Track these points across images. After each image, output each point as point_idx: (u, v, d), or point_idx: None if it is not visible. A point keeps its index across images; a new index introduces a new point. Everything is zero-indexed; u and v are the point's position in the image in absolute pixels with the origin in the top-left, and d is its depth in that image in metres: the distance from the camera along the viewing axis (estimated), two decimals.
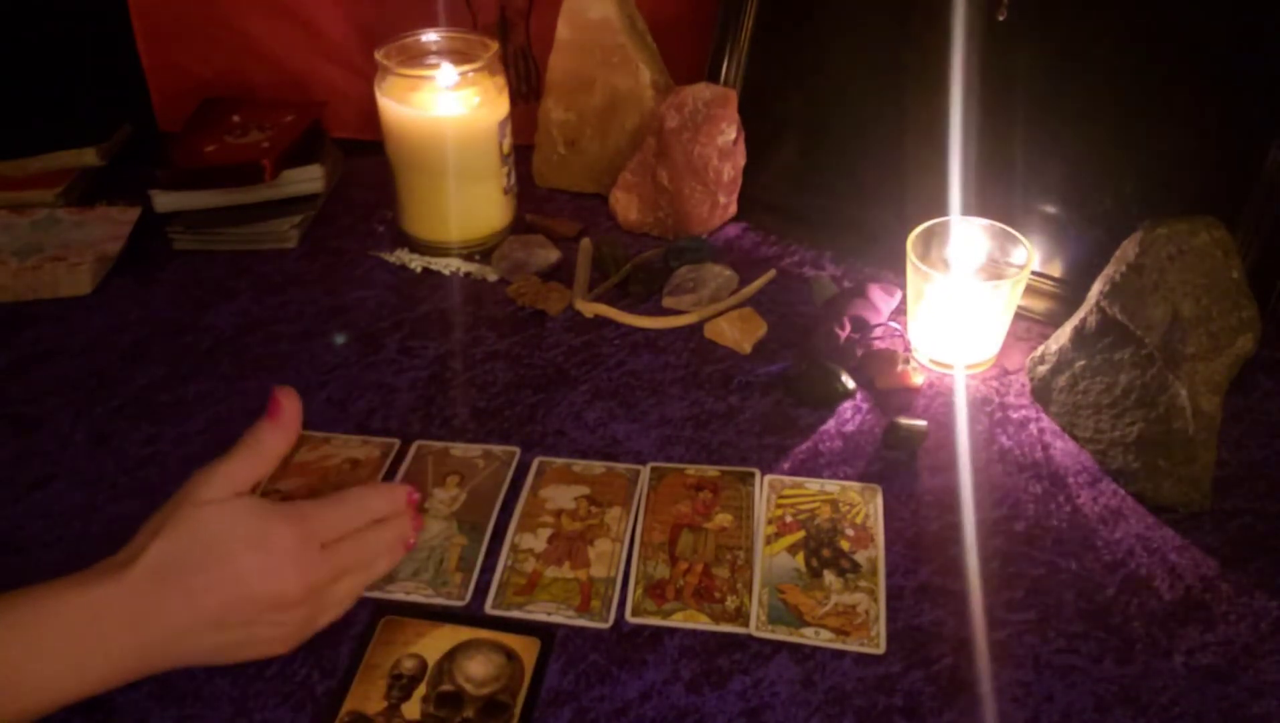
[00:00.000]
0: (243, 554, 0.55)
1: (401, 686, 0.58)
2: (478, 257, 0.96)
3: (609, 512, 0.69)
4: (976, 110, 0.87)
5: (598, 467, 0.73)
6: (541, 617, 0.62)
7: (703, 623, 0.62)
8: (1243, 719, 0.57)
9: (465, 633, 0.61)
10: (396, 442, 0.75)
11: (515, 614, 0.63)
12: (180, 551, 0.55)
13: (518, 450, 0.74)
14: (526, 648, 0.60)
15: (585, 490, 0.71)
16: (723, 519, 0.69)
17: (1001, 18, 0.85)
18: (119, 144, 1.10)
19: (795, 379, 0.80)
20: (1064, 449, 0.75)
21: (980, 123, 0.87)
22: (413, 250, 0.96)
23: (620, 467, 0.73)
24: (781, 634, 0.61)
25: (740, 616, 0.63)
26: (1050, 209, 0.87)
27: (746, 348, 0.84)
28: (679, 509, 0.70)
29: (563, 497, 0.70)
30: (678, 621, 0.62)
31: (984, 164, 0.87)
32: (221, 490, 0.57)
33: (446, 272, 0.94)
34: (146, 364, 0.83)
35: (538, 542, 0.67)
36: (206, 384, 0.81)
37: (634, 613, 0.63)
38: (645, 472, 0.72)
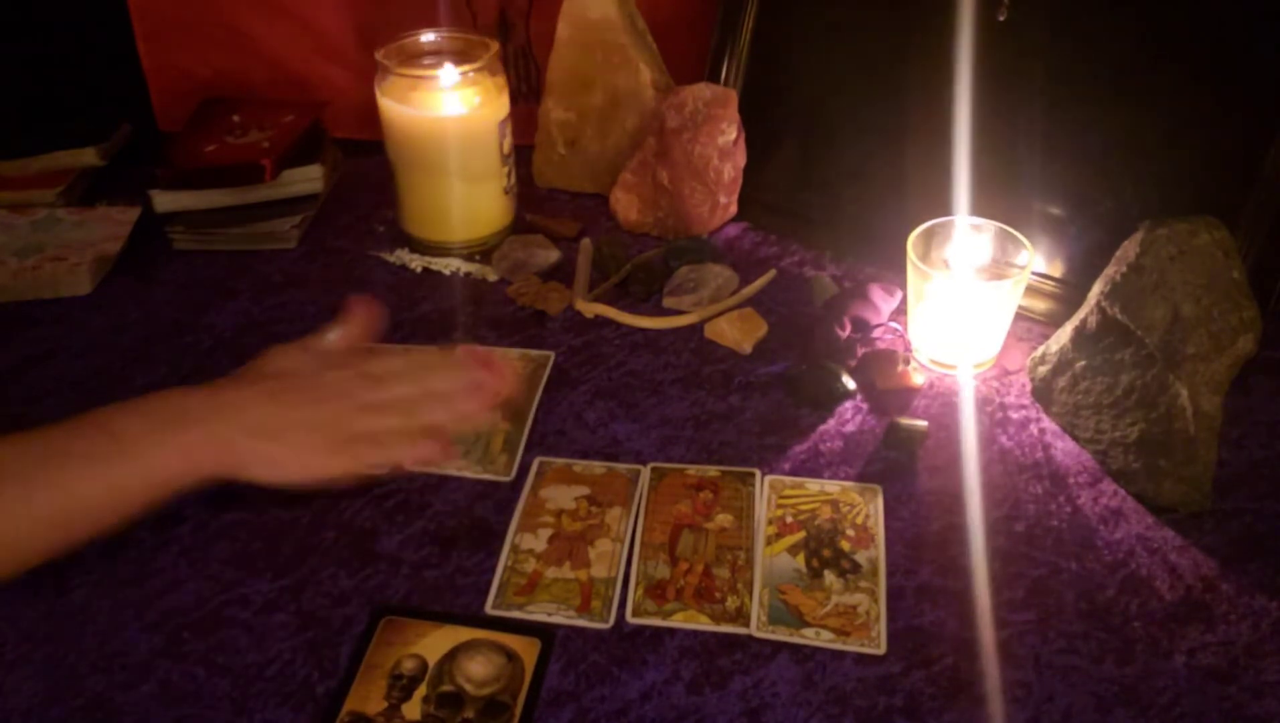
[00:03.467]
0: (291, 367, 0.66)
1: (402, 686, 0.58)
2: (478, 257, 0.96)
3: (609, 512, 0.69)
4: (977, 110, 0.87)
5: (598, 467, 0.73)
6: (542, 617, 0.63)
7: (703, 624, 0.62)
8: (1243, 719, 0.57)
9: (466, 634, 0.61)
10: (435, 350, 0.81)
11: (516, 615, 0.63)
12: (250, 366, 0.67)
13: (552, 354, 0.83)
14: (527, 649, 0.60)
15: (585, 491, 0.71)
16: (723, 520, 0.69)
17: (1002, 18, 0.85)
18: (119, 144, 1.10)
19: (795, 379, 0.80)
20: (1064, 449, 0.75)
21: (981, 123, 0.87)
22: (413, 250, 0.96)
23: (620, 467, 0.73)
24: (782, 635, 0.61)
25: (741, 616, 0.63)
26: (1051, 209, 0.87)
27: (747, 348, 0.84)
28: (679, 509, 0.70)
29: (563, 497, 0.71)
30: (678, 621, 0.62)
31: (984, 164, 0.87)
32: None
33: (446, 272, 0.94)
34: (146, 364, 0.83)
35: (538, 542, 0.67)
36: None
37: (634, 613, 0.63)
38: (645, 472, 0.72)
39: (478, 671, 0.59)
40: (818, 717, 0.57)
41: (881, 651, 0.61)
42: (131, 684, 0.59)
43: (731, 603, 0.63)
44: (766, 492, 0.71)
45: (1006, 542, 0.68)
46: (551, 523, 0.69)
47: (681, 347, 0.85)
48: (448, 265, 0.94)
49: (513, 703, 0.57)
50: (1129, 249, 0.70)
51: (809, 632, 0.62)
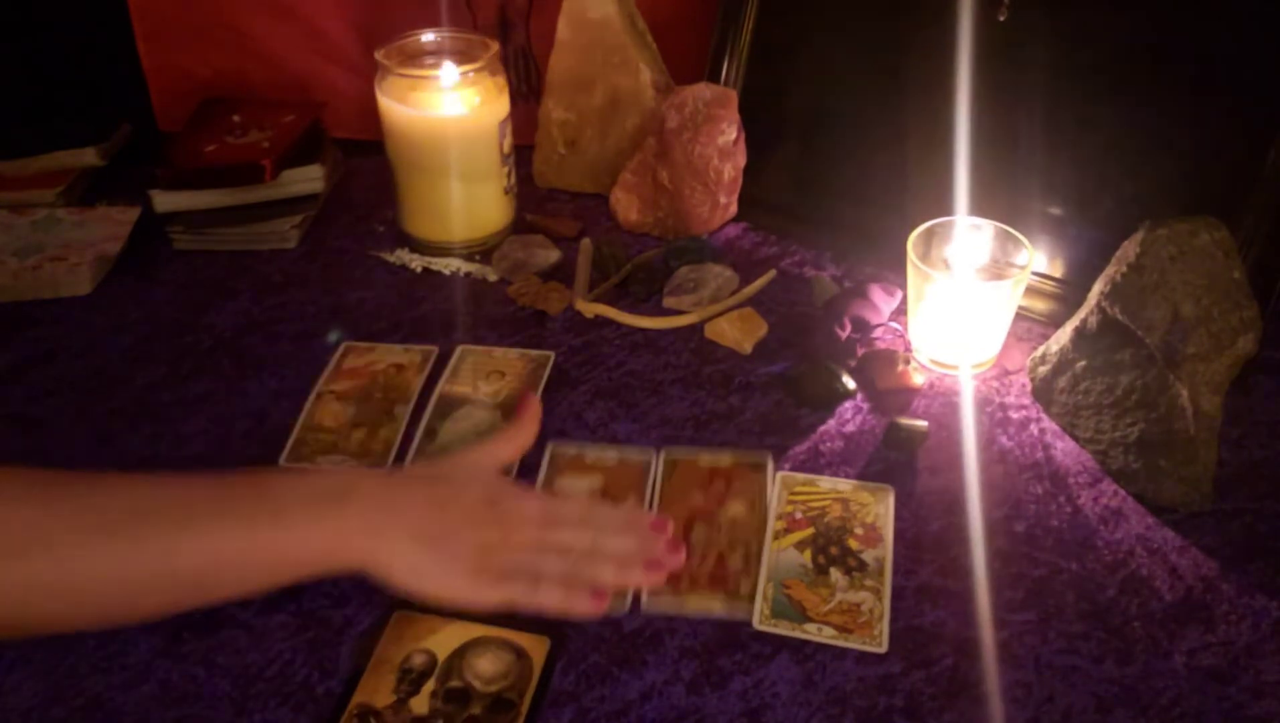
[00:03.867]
0: (474, 480, 0.65)
1: (411, 680, 0.58)
2: (478, 256, 0.96)
3: (623, 504, 0.70)
4: (977, 110, 0.87)
5: (610, 455, 0.74)
6: (540, 612, 0.62)
7: (718, 608, 0.63)
8: (1243, 720, 0.57)
9: (476, 630, 0.61)
10: (435, 349, 0.83)
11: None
12: (432, 467, 0.69)
13: (552, 354, 0.82)
14: (536, 647, 0.60)
15: (599, 482, 0.72)
16: (735, 510, 0.70)
17: (1002, 18, 0.85)
18: (119, 144, 1.10)
19: (795, 379, 0.80)
20: (1065, 450, 0.75)
21: (981, 123, 0.87)
22: (413, 250, 0.96)
23: (633, 455, 0.74)
24: (784, 629, 0.62)
25: (753, 601, 0.64)
26: (1051, 209, 0.87)
27: (747, 348, 0.84)
28: (692, 501, 0.70)
29: (577, 489, 0.72)
30: (693, 607, 0.63)
31: (985, 164, 0.87)
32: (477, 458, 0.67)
33: (447, 272, 0.94)
34: (147, 364, 0.83)
35: None
36: (206, 384, 0.81)
37: (649, 602, 0.64)
38: (658, 460, 0.73)
39: (486, 667, 0.59)
40: (818, 717, 0.57)
41: (883, 649, 0.61)
42: (131, 685, 0.59)
43: (745, 590, 0.64)
44: (778, 488, 0.71)
45: (1006, 542, 0.68)
46: None
47: (681, 347, 0.85)
48: (448, 265, 0.94)
49: (519, 701, 0.57)
50: (1129, 249, 0.70)
51: (811, 627, 0.62)
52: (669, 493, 0.71)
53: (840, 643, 0.61)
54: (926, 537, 0.68)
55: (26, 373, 0.82)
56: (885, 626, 0.62)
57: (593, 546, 0.63)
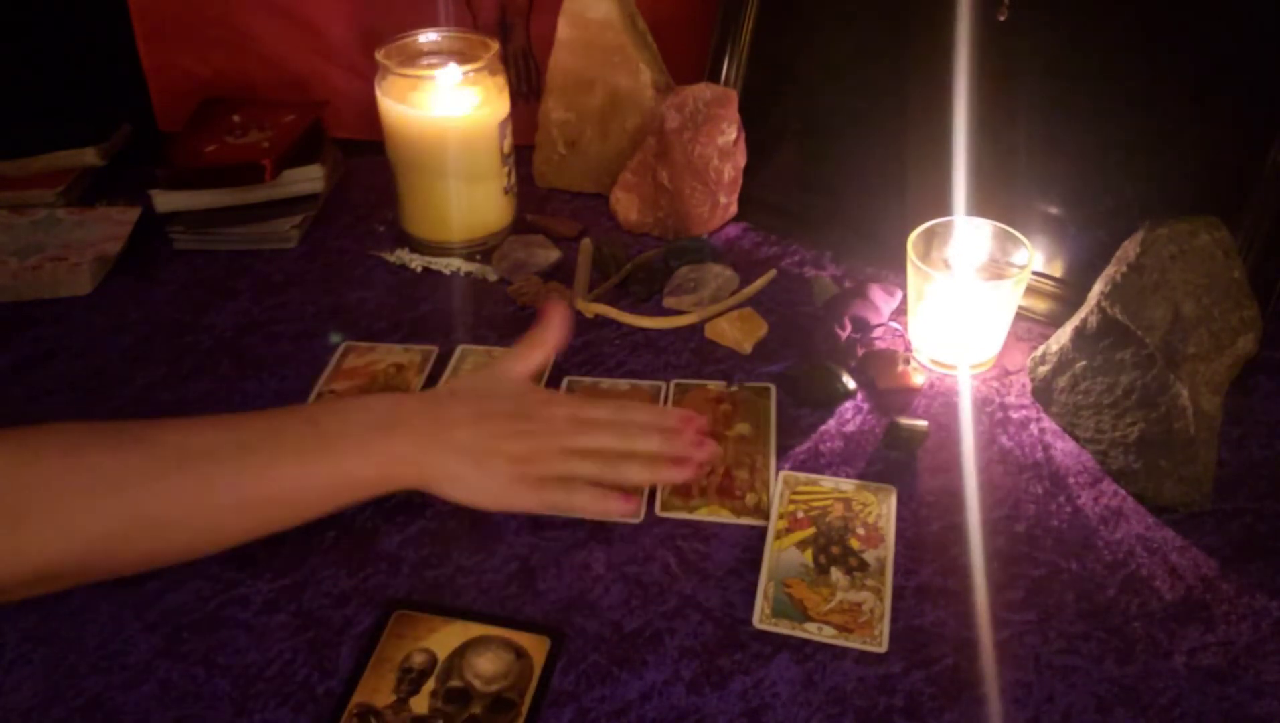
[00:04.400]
0: (504, 393, 0.68)
1: (411, 679, 0.59)
2: (478, 256, 0.96)
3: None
4: (977, 110, 0.87)
5: (623, 385, 0.80)
6: (579, 515, 0.68)
7: (725, 517, 0.69)
8: (1243, 719, 0.57)
9: (477, 629, 0.61)
10: (435, 349, 0.83)
11: (554, 514, 0.68)
12: (465, 383, 0.71)
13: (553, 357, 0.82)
14: (536, 647, 0.61)
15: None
16: (742, 428, 0.75)
17: (1001, 18, 0.85)
18: (119, 144, 1.10)
19: (795, 379, 0.80)
20: (1065, 450, 0.75)
21: (981, 123, 0.87)
22: (413, 250, 0.96)
23: (644, 384, 0.79)
24: (784, 628, 0.62)
25: (759, 511, 0.69)
26: (1051, 209, 0.87)
27: (747, 348, 0.84)
28: (701, 420, 0.72)
29: None
30: (703, 515, 0.69)
31: (985, 164, 0.87)
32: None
33: (447, 271, 0.94)
34: (147, 364, 0.83)
35: None
36: (206, 384, 0.81)
37: (663, 508, 0.69)
38: (669, 387, 0.79)
39: (486, 667, 0.59)
40: (818, 717, 0.57)
41: (883, 649, 0.61)
42: (131, 684, 0.59)
43: (750, 499, 0.70)
44: (780, 487, 0.72)
45: (1006, 542, 0.68)
46: None
47: (681, 347, 0.85)
48: (448, 265, 0.94)
49: (519, 701, 0.57)
50: (1129, 249, 0.70)
51: (811, 627, 0.62)
52: None
53: (840, 643, 0.61)
54: (926, 537, 0.68)
55: (26, 373, 0.82)
56: (886, 625, 0.62)
57: (623, 446, 0.66)
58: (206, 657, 0.60)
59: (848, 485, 0.72)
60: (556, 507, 0.66)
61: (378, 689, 0.58)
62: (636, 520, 0.68)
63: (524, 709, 0.57)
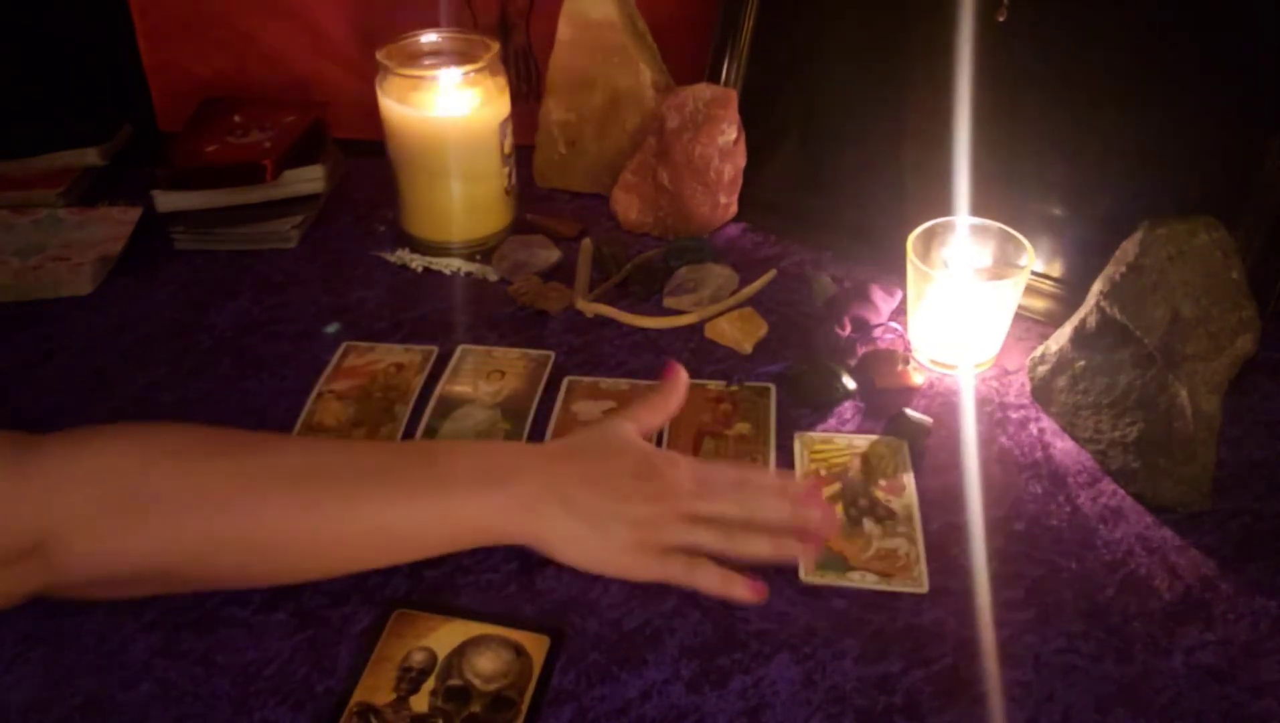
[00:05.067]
0: (625, 453, 0.65)
1: (410, 678, 0.58)
2: (479, 256, 0.96)
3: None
4: (977, 110, 0.87)
5: (623, 384, 0.80)
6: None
7: None
8: (1243, 719, 0.57)
9: (476, 628, 0.61)
10: (435, 348, 0.83)
11: None
12: (584, 441, 0.66)
13: (552, 354, 0.83)
14: (536, 645, 0.61)
15: (612, 404, 0.78)
16: (742, 427, 0.76)
17: (1001, 18, 0.85)
18: (120, 144, 1.10)
19: (795, 379, 0.80)
20: (1064, 449, 0.75)
21: (981, 123, 0.87)
22: (413, 250, 0.96)
23: (644, 383, 0.79)
24: (831, 579, 0.64)
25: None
26: (1050, 209, 0.87)
27: (747, 348, 0.84)
28: (701, 419, 0.76)
29: (592, 410, 0.77)
30: None
31: (984, 164, 0.87)
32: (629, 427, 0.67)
33: (447, 271, 0.94)
34: (147, 364, 0.83)
35: None
36: (206, 384, 0.81)
37: None
38: None
39: (486, 666, 0.59)
40: (818, 716, 0.57)
41: (924, 589, 0.63)
42: (131, 683, 0.59)
43: None
44: (798, 448, 0.74)
45: (1006, 541, 0.68)
46: None
47: (682, 347, 0.85)
48: (448, 265, 0.94)
49: (519, 699, 0.58)
50: (1128, 249, 0.70)
51: (855, 575, 0.65)
52: (679, 414, 0.73)
53: (884, 587, 0.64)
54: (926, 536, 0.68)
55: (27, 373, 0.82)
56: (923, 567, 0.65)
57: (746, 514, 0.63)
58: (205, 656, 0.60)
59: (861, 441, 0.74)
60: (676, 580, 0.62)
61: (378, 688, 0.58)
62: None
63: (524, 708, 0.57)
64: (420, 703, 0.57)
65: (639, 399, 0.70)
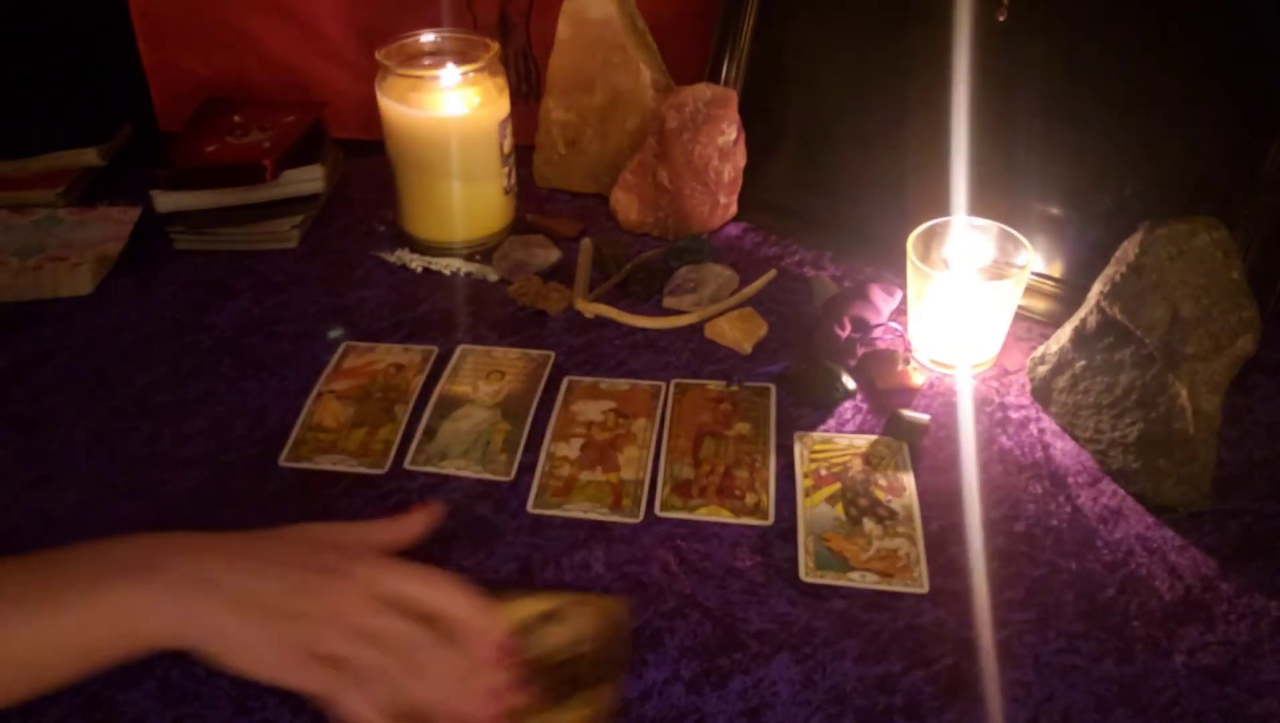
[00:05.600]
0: (299, 543, 0.56)
1: None
2: (478, 256, 0.96)
3: (635, 422, 0.76)
4: (977, 110, 0.87)
5: (623, 384, 0.80)
6: (579, 515, 0.69)
7: (725, 517, 0.69)
8: (1243, 719, 0.57)
9: (547, 601, 0.62)
10: (435, 349, 0.83)
11: (555, 513, 0.69)
12: (257, 533, 0.56)
13: (552, 354, 0.83)
14: (613, 608, 0.62)
15: (612, 405, 0.78)
16: (742, 428, 0.76)
17: (1001, 18, 0.85)
18: (120, 144, 1.10)
19: (795, 379, 0.80)
20: (1064, 449, 0.75)
21: (981, 123, 0.87)
22: (413, 250, 0.96)
23: (644, 383, 0.80)
24: (830, 579, 0.65)
25: (759, 511, 0.69)
26: (1050, 209, 0.87)
27: (747, 348, 0.84)
28: (701, 419, 0.76)
29: (592, 410, 0.77)
30: (702, 515, 0.69)
31: (984, 164, 0.87)
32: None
33: (447, 272, 0.94)
34: (147, 364, 0.83)
35: (571, 450, 0.74)
36: (206, 384, 0.81)
37: (663, 508, 0.69)
38: (669, 387, 0.79)
39: (570, 632, 0.61)
40: (818, 717, 0.57)
41: (925, 590, 0.63)
42: (131, 684, 0.59)
43: (750, 500, 0.70)
44: (798, 447, 0.74)
45: (1006, 541, 0.68)
46: (582, 433, 0.75)
47: (681, 347, 0.85)
48: (448, 265, 0.94)
49: (610, 658, 0.59)
50: (1128, 249, 0.70)
51: (855, 575, 0.65)
52: (679, 414, 0.77)
53: (884, 587, 0.64)
54: (926, 536, 0.68)
55: (26, 373, 0.82)
56: (924, 567, 0.65)
57: (415, 649, 0.53)
58: None
59: (861, 441, 0.74)
60: (324, 696, 0.52)
61: None
62: (635, 520, 0.67)
63: (617, 665, 0.59)
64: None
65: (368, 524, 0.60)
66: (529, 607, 0.61)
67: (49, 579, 0.51)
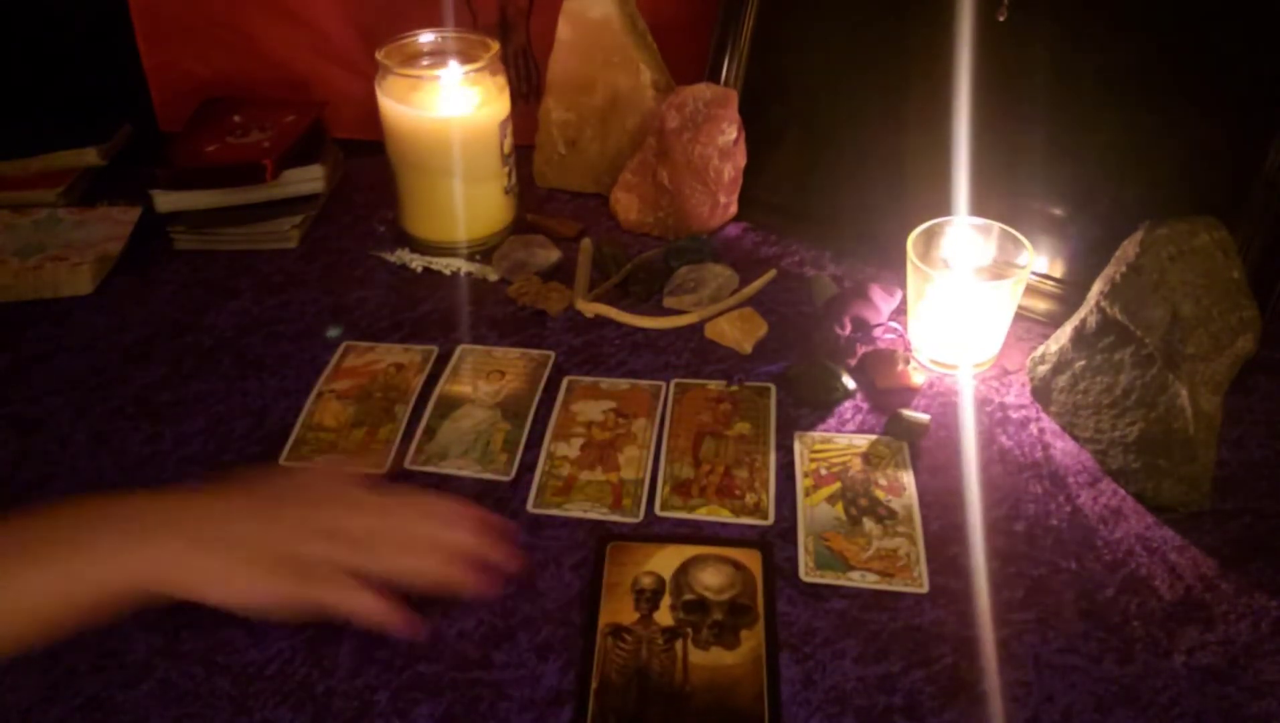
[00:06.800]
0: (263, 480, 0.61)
1: (647, 599, 0.63)
2: (478, 256, 0.96)
3: (635, 422, 0.76)
4: (977, 110, 0.87)
5: (623, 384, 0.80)
6: (579, 514, 0.69)
7: (725, 517, 0.69)
8: (1242, 719, 0.57)
9: (690, 550, 0.66)
10: (435, 348, 0.83)
11: (555, 512, 0.69)
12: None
13: (552, 354, 0.83)
14: (750, 558, 0.65)
15: (612, 404, 0.78)
16: (742, 427, 0.76)
17: (1001, 18, 0.85)
18: (120, 144, 1.10)
19: (795, 379, 0.80)
20: (1064, 449, 0.75)
21: (981, 123, 0.87)
22: (413, 250, 0.96)
23: (644, 383, 0.80)
24: (830, 578, 0.65)
25: (759, 511, 0.69)
26: (1050, 209, 0.87)
27: (747, 348, 0.84)
28: (701, 419, 0.77)
29: (592, 410, 0.77)
30: (702, 515, 0.69)
31: (984, 164, 0.87)
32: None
33: (447, 272, 0.94)
34: (147, 364, 0.83)
35: (571, 450, 0.74)
36: (207, 384, 0.81)
37: (663, 508, 0.70)
38: (669, 387, 0.79)
39: (712, 580, 0.64)
40: (818, 717, 0.57)
41: (924, 589, 0.63)
42: (131, 684, 0.59)
43: (750, 499, 0.70)
44: (798, 447, 0.74)
45: (1006, 541, 0.68)
46: (582, 433, 0.75)
47: (682, 347, 0.85)
48: (448, 265, 0.94)
49: (753, 604, 0.62)
50: (1128, 249, 0.70)
51: (855, 575, 0.65)
52: (679, 414, 0.77)
53: (884, 587, 0.64)
54: (926, 536, 0.68)
55: (27, 373, 0.82)
56: (923, 567, 0.65)
57: (382, 528, 0.57)
58: (206, 656, 0.61)
59: (861, 441, 0.75)
60: (321, 603, 0.56)
61: (620, 610, 0.62)
62: (635, 519, 0.68)
63: (760, 611, 0.62)
64: (665, 618, 0.62)
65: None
66: (679, 554, 0.64)
67: (25, 535, 0.53)
